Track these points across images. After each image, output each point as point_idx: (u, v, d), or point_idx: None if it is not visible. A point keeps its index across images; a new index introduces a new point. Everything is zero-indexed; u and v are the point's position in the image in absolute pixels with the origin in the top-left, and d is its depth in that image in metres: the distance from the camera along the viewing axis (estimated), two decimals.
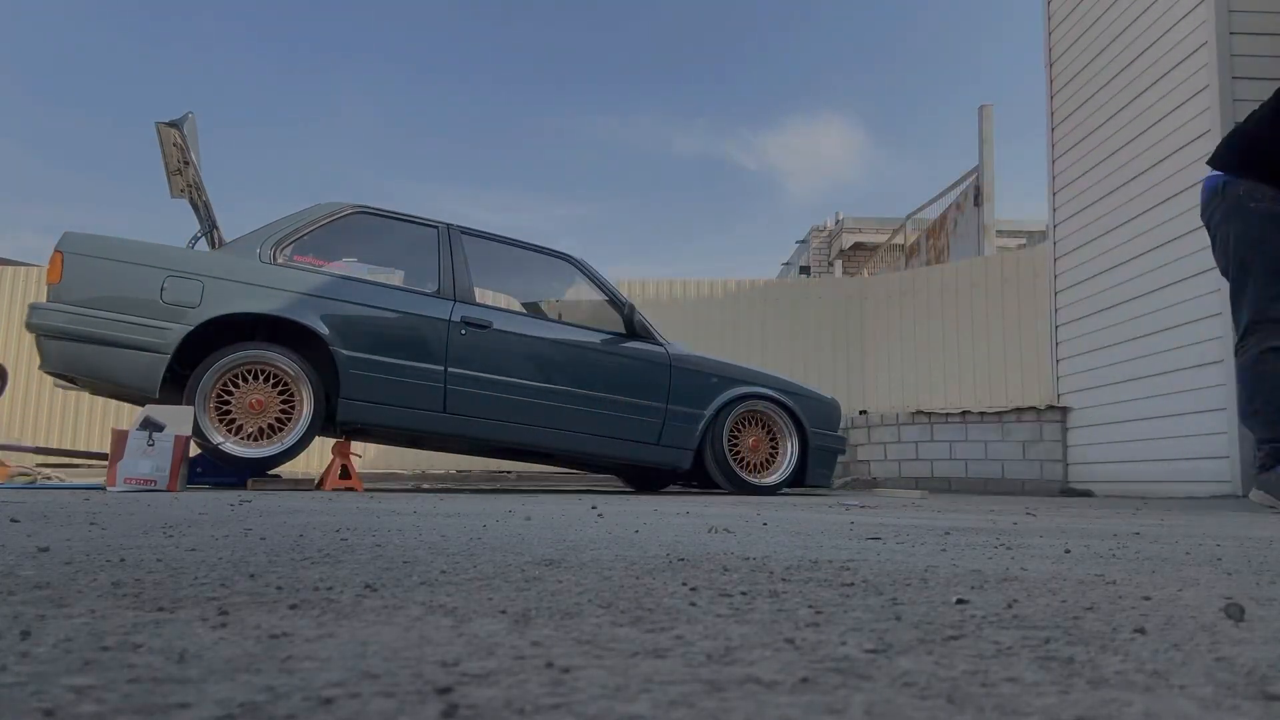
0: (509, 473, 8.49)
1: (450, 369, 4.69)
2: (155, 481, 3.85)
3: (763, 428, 5.41)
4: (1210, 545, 1.71)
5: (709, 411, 5.20)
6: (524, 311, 5.64)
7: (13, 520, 1.82)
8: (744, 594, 0.93)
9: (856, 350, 9.02)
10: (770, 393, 5.39)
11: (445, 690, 0.52)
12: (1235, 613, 0.83)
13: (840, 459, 6.05)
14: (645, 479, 6.11)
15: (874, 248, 16.00)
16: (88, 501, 2.72)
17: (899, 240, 12.66)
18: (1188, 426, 5.72)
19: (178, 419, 4.02)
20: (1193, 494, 5.60)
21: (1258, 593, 1.02)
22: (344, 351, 4.49)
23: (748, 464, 5.31)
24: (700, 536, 1.71)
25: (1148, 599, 0.95)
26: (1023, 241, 14.57)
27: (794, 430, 5.41)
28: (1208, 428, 5.54)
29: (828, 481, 5.63)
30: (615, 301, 5.29)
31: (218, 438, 4.24)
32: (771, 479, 5.32)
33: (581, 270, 5.36)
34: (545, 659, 0.61)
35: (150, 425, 3.97)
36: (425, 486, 6.41)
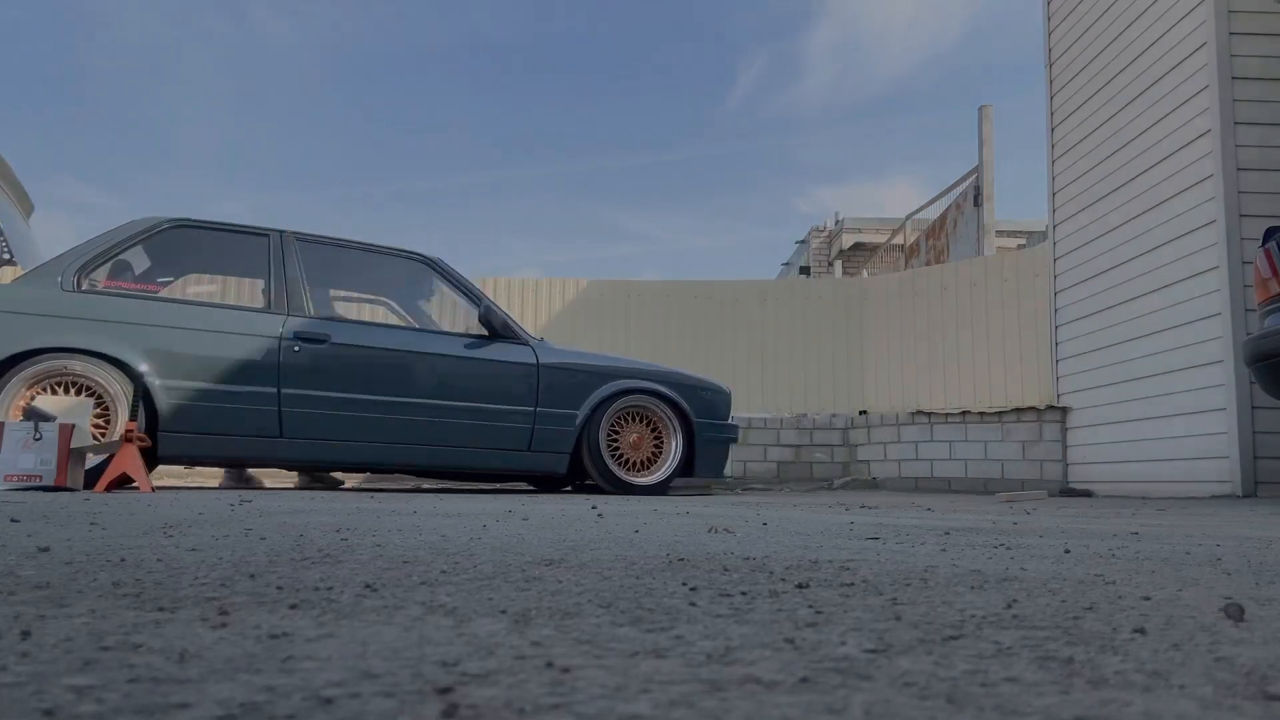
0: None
1: (284, 390, 4.39)
2: (40, 477, 3.61)
3: (645, 423, 5.15)
4: (1210, 545, 1.71)
5: (583, 411, 4.93)
6: (375, 321, 5.29)
7: (13, 520, 1.82)
8: (744, 594, 0.93)
9: (856, 350, 9.02)
10: (650, 386, 5.12)
11: (445, 690, 0.52)
12: (1235, 613, 0.83)
13: (732, 446, 5.68)
14: (547, 479, 5.68)
15: (874, 248, 16.00)
16: (88, 502, 2.72)
17: (899, 240, 12.67)
18: (1188, 426, 5.72)
19: (72, 410, 3.80)
20: (1193, 494, 5.60)
21: (1257, 593, 1.02)
22: (160, 381, 4.16)
23: (629, 462, 5.07)
24: (700, 536, 1.71)
25: (1148, 599, 0.95)
26: (1023, 241, 14.57)
27: (678, 423, 5.16)
28: (1208, 428, 5.54)
29: (719, 474, 5.33)
30: (470, 301, 5.03)
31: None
32: (654, 477, 5.07)
33: (435, 270, 5.10)
34: (545, 659, 0.61)
35: (36, 416, 3.73)
36: (425, 486, 6.41)
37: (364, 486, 6.36)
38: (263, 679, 0.54)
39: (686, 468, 5.18)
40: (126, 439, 3.75)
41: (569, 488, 5.91)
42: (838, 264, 16.51)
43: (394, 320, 5.66)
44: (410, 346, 4.76)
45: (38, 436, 3.65)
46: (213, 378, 4.29)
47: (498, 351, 4.89)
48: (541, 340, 5.13)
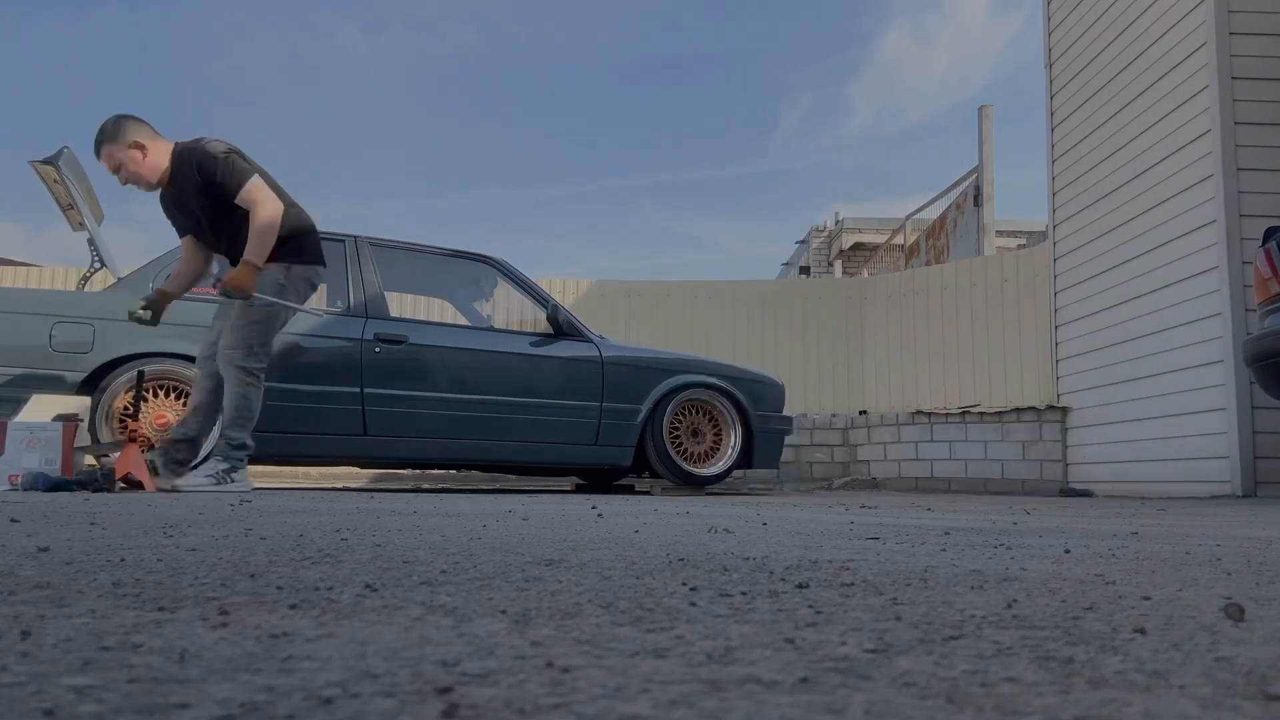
0: (508, 474, 8.48)
1: (367, 389, 4.53)
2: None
3: (704, 415, 5.30)
4: (1210, 545, 1.71)
5: (646, 405, 5.08)
6: (445, 322, 5.49)
7: (13, 520, 1.82)
8: (744, 594, 0.93)
9: (856, 350, 9.02)
10: (710, 380, 5.27)
11: (445, 690, 0.52)
12: (1235, 613, 0.83)
13: (787, 439, 5.92)
14: (598, 474, 5.97)
15: (874, 248, 16.00)
16: (87, 502, 2.72)
17: (899, 240, 12.67)
18: (1188, 426, 5.71)
19: (70, 409, 3.86)
20: (1193, 494, 5.60)
21: (1257, 593, 1.02)
22: None
23: (691, 454, 5.21)
24: (700, 536, 1.71)
25: (1148, 599, 0.95)
26: (1023, 241, 14.57)
27: (736, 415, 5.30)
28: (1208, 428, 5.54)
29: (775, 464, 5.54)
30: (538, 301, 5.15)
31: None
32: (716, 467, 5.23)
33: (502, 271, 5.23)
34: (545, 659, 0.61)
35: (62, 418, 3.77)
36: (425, 486, 6.41)
37: (365, 487, 6.36)
38: (263, 679, 0.54)
39: (744, 459, 5.33)
40: (130, 439, 3.77)
41: (630, 479, 6.12)
42: (838, 264, 16.51)
43: (463, 320, 5.79)
44: (483, 345, 4.91)
45: (35, 436, 3.67)
46: (300, 379, 4.44)
47: (564, 348, 5.05)
48: (603, 337, 5.27)
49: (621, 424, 5.06)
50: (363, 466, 5.22)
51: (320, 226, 4.20)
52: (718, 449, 5.32)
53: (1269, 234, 4.15)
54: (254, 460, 4.50)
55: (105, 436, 4.11)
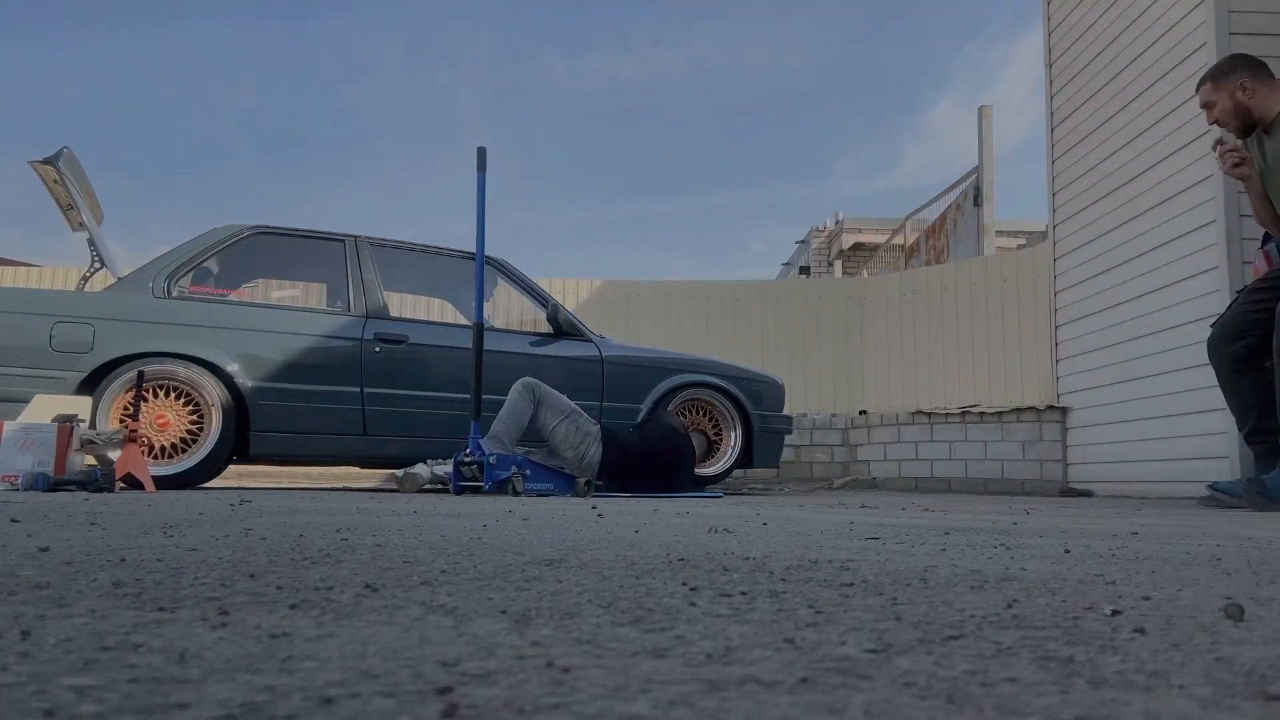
0: None
1: (367, 389, 4.55)
2: None
3: (705, 415, 5.31)
4: (1210, 545, 1.71)
5: (646, 405, 5.11)
6: (445, 322, 5.49)
7: (13, 520, 1.82)
8: (744, 594, 0.93)
9: (856, 350, 9.02)
10: (710, 379, 5.29)
11: (445, 690, 0.52)
12: (1235, 613, 0.83)
13: (787, 439, 5.95)
14: None
15: (874, 248, 16.00)
16: (88, 502, 2.72)
17: (899, 240, 12.67)
18: (1188, 426, 5.71)
19: (71, 410, 3.86)
20: (1193, 494, 5.59)
21: (1257, 593, 1.02)
22: (251, 383, 4.31)
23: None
24: (700, 536, 1.71)
25: (1148, 599, 0.95)
26: (1023, 241, 14.57)
27: (737, 415, 5.31)
28: (1208, 428, 5.53)
29: (775, 464, 5.57)
30: (538, 301, 5.16)
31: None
32: (715, 468, 5.25)
33: (502, 271, 5.23)
34: (545, 659, 0.61)
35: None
36: (424, 487, 6.40)
37: (365, 487, 6.36)
38: (263, 679, 0.54)
39: (744, 459, 5.32)
40: (130, 438, 3.76)
41: None
42: (838, 264, 16.51)
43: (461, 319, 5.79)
44: (484, 345, 4.87)
45: (30, 437, 3.66)
46: (300, 379, 4.45)
47: (564, 348, 5.05)
48: (603, 337, 5.28)
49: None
50: (363, 466, 5.22)
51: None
52: (718, 449, 5.32)
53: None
54: (255, 460, 4.51)
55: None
